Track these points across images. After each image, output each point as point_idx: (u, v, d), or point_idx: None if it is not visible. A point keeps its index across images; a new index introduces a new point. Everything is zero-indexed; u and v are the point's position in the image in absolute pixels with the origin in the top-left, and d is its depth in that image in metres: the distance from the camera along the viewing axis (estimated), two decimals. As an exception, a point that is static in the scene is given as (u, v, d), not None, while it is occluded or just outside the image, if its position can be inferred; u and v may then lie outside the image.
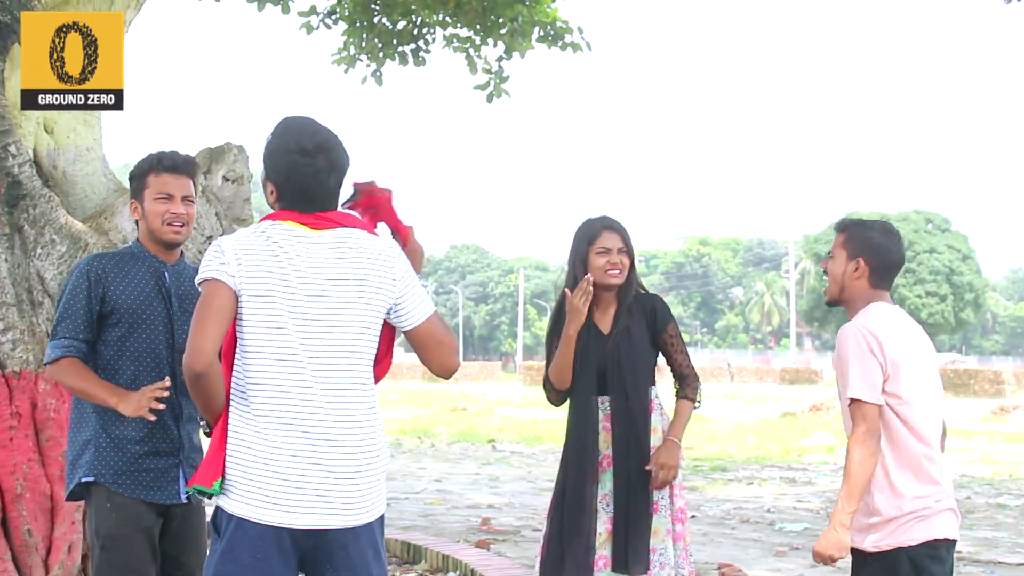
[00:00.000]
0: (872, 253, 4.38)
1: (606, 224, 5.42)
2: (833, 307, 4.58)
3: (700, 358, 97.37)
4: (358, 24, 12.43)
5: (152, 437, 4.55)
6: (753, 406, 37.38)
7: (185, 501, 4.61)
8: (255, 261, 3.46)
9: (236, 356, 3.50)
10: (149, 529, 4.55)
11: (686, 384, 5.44)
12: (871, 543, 4.21)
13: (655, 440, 5.32)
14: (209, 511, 3.80)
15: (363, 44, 12.74)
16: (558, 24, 12.25)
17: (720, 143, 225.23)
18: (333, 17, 12.54)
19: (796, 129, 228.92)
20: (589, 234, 5.40)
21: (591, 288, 5.19)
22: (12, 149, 6.36)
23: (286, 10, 12.01)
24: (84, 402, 4.58)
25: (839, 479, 15.26)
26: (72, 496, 4.70)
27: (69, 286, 4.67)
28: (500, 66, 12.82)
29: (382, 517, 3.62)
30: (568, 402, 5.40)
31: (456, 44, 12.69)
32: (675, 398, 5.47)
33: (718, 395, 45.52)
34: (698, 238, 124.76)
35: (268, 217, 3.61)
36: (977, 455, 19.20)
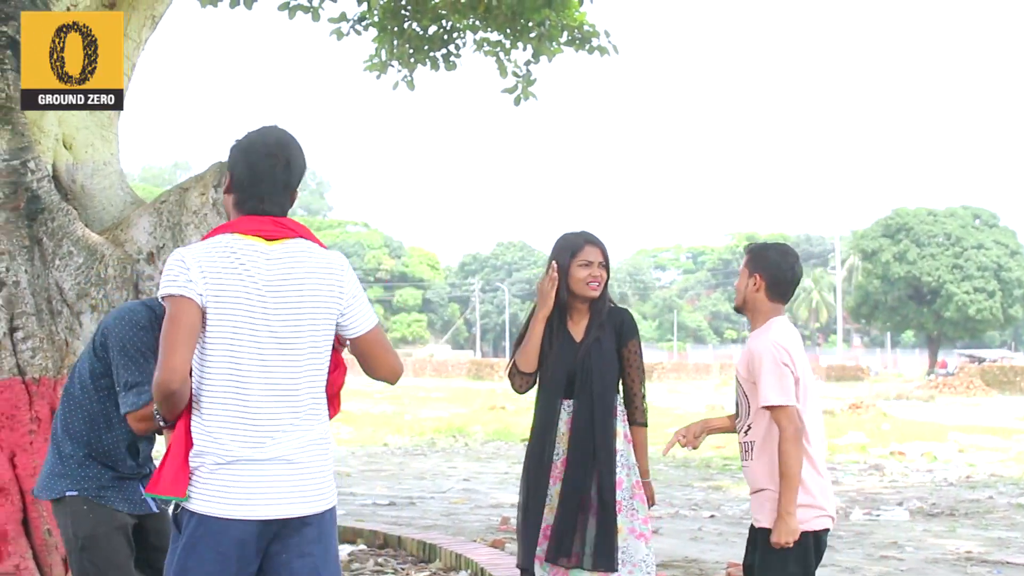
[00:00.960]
0: (768, 270, 5.08)
1: (588, 239, 5.67)
2: (739, 313, 5.30)
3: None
4: (388, 30, 12.64)
5: (130, 456, 4.79)
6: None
7: (156, 511, 4.85)
8: (219, 278, 3.65)
9: (193, 366, 3.68)
10: (125, 527, 4.77)
11: (634, 407, 5.63)
12: (811, 524, 4.89)
13: (618, 443, 5.51)
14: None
15: (394, 50, 12.96)
16: (585, 28, 12.42)
17: (767, 139, 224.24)
18: (363, 23, 12.75)
19: (844, 124, 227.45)
20: (572, 247, 5.64)
21: (556, 275, 5.54)
22: (31, 165, 6.64)
23: (316, 18, 12.24)
24: (72, 417, 4.77)
25: (866, 479, 15.40)
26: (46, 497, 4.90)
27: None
28: (528, 69, 13.02)
29: (334, 509, 3.83)
30: (535, 403, 5.65)
31: (487, 48, 12.90)
32: (627, 424, 5.63)
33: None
34: (745, 234, 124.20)
35: (227, 227, 3.79)
36: (1011, 454, 19.17)
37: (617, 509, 5.43)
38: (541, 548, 5.48)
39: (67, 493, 4.75)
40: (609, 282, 5.69)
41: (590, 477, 5.44)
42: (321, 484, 3.75)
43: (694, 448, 5.42)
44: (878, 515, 12.07)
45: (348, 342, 3.89)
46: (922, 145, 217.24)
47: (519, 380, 5.68)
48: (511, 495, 13.51)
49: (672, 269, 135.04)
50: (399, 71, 12.97)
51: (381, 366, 3.93)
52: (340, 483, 14.65)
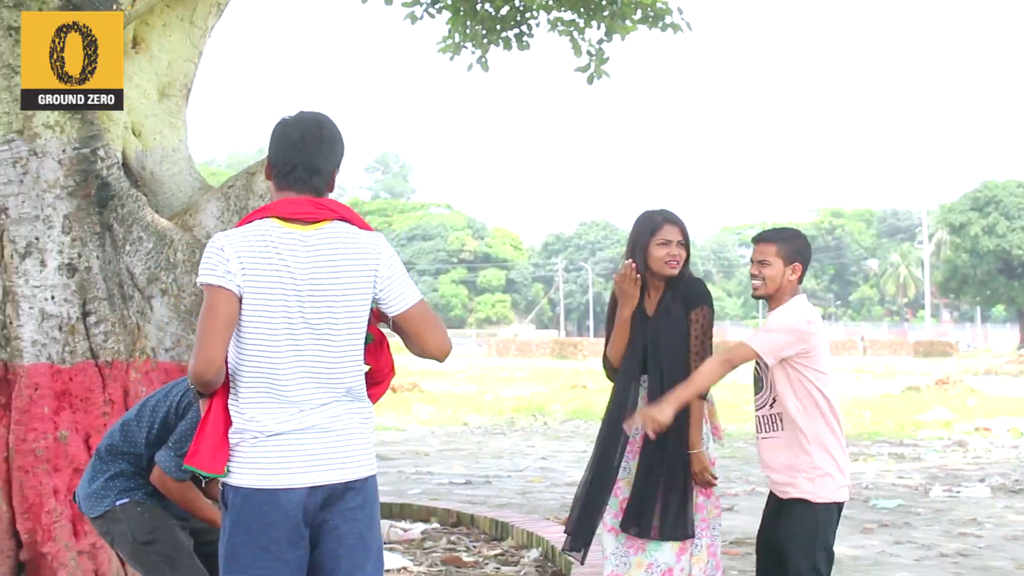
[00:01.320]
0: (805, 259, 5.35)
1: (667, 217, 5.71)
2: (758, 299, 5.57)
3: (834, 331, 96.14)
4: (461, 12, 12.68)
5: None
6: (880, 380, 36.93)
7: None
8: (256, 265, 3.71)
9: (230, 350, 3.75)
10: (178, 523, 4.95)
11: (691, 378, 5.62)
12: (815, 495, 5.08)
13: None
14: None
15: (467, 31, 12.99)
16: (658, 5, 12.36)
17: (852, 112, 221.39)
18: (436, 6, 12.80)
19: (931, 96, 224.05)
20: (651, 225, 5.68)
21: (635, 274, 5.55)
22: (101, 153, 6.76)
23: (389, 1, 12.32)
24: (124, 444, 4.95)
25: (949, 455, 15.24)
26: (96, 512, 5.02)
27: None
28: (600, 48, 12.99)
29: (375, 478, 3.85)
30: (616, 381, 5.75)
31: (560, 27, 12.89)
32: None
33: (847, 369, 45.07)
34: (830, 210, 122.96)
35: (267, 210, 3.84)
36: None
37: (691, 483, 5.55)
38: (615, 519, 5.63)
39: (117, 503, 4.90)
40: (690, 260, 5.73)
41: (665, 452, 5.53)
42: (361, 451, 3.78)
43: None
44: (958, 492, 11.93)
45: (390, 319, 3.90)
46: (1011, 116, 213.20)
47: (612, 373, 5.80)
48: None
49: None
50: (472, 52, 13.00)
51: (427, 342, 3.90)
52: (418, 462, 14.80)
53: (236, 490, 3.70)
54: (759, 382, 5.30)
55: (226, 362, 3.73)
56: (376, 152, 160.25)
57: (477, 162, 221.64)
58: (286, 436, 3.68)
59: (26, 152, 6.58)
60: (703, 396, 5.59)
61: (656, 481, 5.52)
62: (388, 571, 7.70)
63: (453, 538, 8.98)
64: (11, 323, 6.62)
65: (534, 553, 8.25)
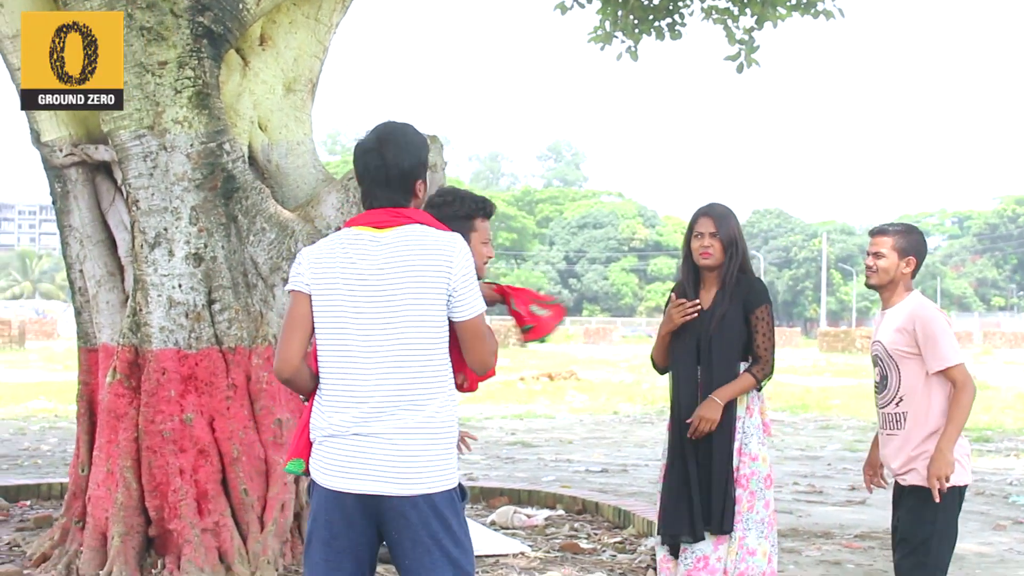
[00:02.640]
0: (920, 253, 5.45)
1: (702, 211, 5.95)
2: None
3: (1015, 323, 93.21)
4: (612, 1, 12.74)
5: None
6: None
7: None
8: (324, 268, 3.90)
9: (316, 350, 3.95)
10: None
11: (756, 364, 5.84)
12: (959, 479, 5.25)
13: (740, 411, 5.84)
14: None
15: (618, 21, 13.04)
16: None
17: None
18: (587, -4, 12.90)
19: None
20: (691, 220, 5.98)
21: (694, 311, 5.80)
22: (227, 147, 7.05)
23: (539, -7, 12.42)
24: None
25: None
26: None
27: None
28: (751, 36, 12.91)
29: (451, 491, 3.87)
30: (672, 371, 6.00)
31: (715, 15, 12.85)
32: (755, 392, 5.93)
33: (1018, 362, 43.70)
34: (1015, 197, 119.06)
35: (351, 222, 4.03)
36: None
37: (736, 479, 5.77)
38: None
39: None
40: (746, 255, 5.89)
41: (721, 447, 5.77)
42: (419, 467, 3.80)
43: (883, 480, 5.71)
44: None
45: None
46: None
47: (658, 369, 6.12)
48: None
49: (936, 234, 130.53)
50: (623, 42, 13.05)
51: (473, 355, 3.96)
52: (560, 449, 14.92)
53: (312, 482, 3.92)
54: (884, 381, 5.40)
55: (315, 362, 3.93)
56: (549, 140, 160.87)
57: (649, 150, 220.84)
58: (347, 439, 3.83)
59: (156, 147, 6.89)
60: (758, 388, 5.81)
61: (700, 479, 5.78)
62: (505, 555, 7.85)
63: (576, 525, 9.09)
64: (141, 310, 6.95)
65: (652, 541, 8.30)
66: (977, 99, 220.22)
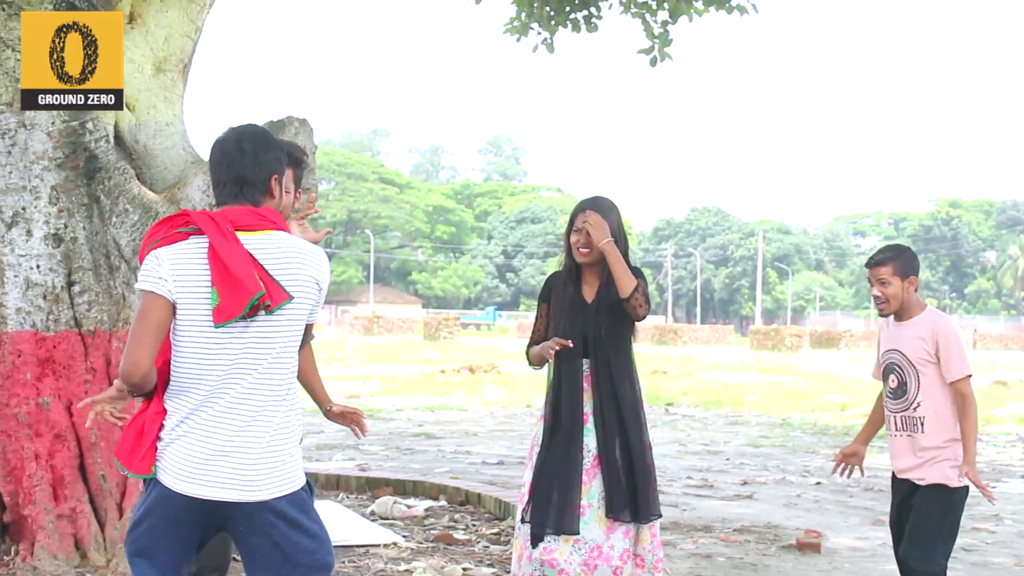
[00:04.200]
0: (916, 270, 5.71)
1: (583, 206, 5.90)
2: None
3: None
4: (527, -8, 12.67)
5: None
6: (980, 375, 36.05)
7: None
8: (186, 271, 3.81)
9: (171, 353, 3.88)
10: None
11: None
12: (961, 481, 5.55)
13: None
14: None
15: (533, 12, 12.97)
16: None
17: (973, 98, 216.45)
18: (504, -14, 12.80)
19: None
20: (572, 214, 5.93)
21: (557, 348, 5.72)
22: (89, 126, 6.91)
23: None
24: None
25: (1008, 451, 14.90)
26: None
27: None
28: (666, 30, 12.89)
29: (298, 491, 3.92)
30: (555, 364, 5.89)
31: (634, 9, 12.81)
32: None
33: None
34: (948, 200, 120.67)
35: (204, 219, 3.92)
36: None
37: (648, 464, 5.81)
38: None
39: None
40: (628, 249, 5.87)
41: (627, 437, 5.79)
42: (268, 473, 3.83)
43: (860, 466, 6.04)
44: (995, 487, 11.64)
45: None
46: None
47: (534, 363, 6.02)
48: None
49: (872, 235, 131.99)
50: (539, 34, 12.98)
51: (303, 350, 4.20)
52: (462, 442, 14.86)
53: (156, 482, 3.86)
54: (903, 387, 5.66)
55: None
56: (490, 134, 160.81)
57: (590, 146, 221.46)
58: (189, 444, 3.81)
59: (15, 124, 6.74)
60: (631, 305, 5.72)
61: (620, 465, 5.71)
62: (376, 546, 7.78)
63: (457, 516, 9.03)
64: (-3, 292, 6.79)
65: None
66: (914, 100, 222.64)
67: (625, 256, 5.79)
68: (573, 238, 5.84)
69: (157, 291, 3.77)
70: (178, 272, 3.79)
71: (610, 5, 12.89)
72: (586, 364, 5.81)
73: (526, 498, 5.82)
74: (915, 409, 5.59)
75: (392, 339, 56.43)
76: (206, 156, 7.42)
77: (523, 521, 5.82)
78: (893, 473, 5.79)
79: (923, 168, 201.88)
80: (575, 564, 5.67)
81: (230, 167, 3.97)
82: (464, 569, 7.24)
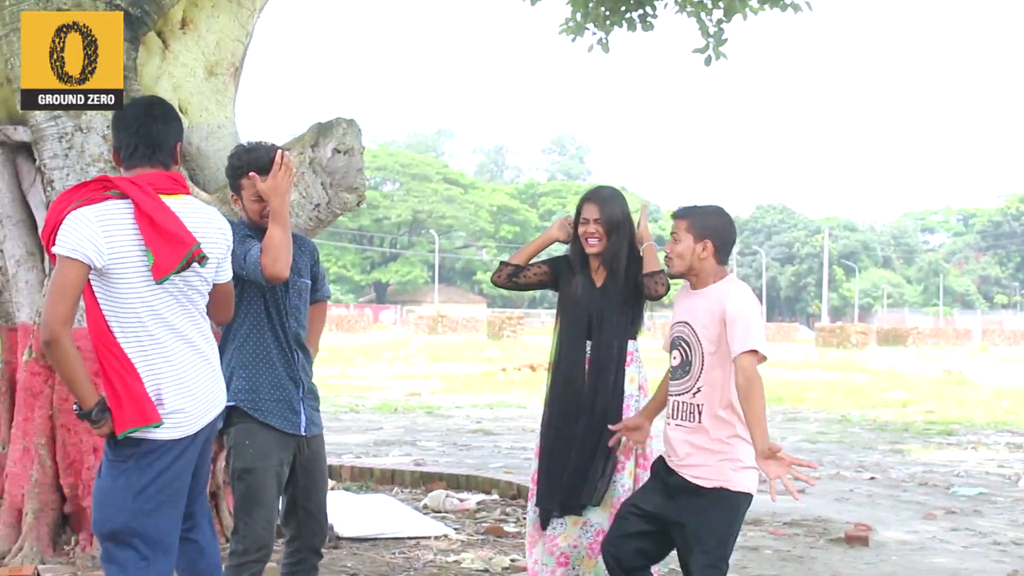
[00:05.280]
0: (719, 236, 5.02)
1: (588, 197, 5.97)
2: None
3: (1016, 321, 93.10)
4: (583, -8, 12.78)
5: (280, 373, 5.12)
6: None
7: (304, 435, 5.15)
8: (116, 236, 4.06)
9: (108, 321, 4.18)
10: (277, 465, 5.08)
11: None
12: (744, 485, 4.90)
13: (631, 388, 5.89)
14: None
15: (589, 12, 13.06)
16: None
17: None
18: (559, -13, 12.91)
19: None
20: (579, 204, 5.99)
21: (570, 226, 6.00)
22: (144, 128, 7.08)
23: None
24: (228, 342, 5.13)
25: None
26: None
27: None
28: (720, 28, 12.94)
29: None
30: (557, 344, 6.01)
31: (689, 8, 12.87)
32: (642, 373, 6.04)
33: (1012, 359, 43.71)
34: (1018, 195, 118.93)
35: (122, 182, 4.17)
36: None
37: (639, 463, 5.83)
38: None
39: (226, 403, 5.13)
40: (625, 234, 5.91)
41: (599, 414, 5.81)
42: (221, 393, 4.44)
43: (639, 442, 5.63)
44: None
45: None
46: None
47: (503, 271, 6.16)
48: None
49: (941, 232, 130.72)
50: (594, 34, 13.08)
51: (220, 313, 4.58)
52: (519, 438, 14.95)
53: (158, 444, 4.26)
54: (684, 367, 4.99)
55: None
56: (554, 133, 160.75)
57: (654, 145, 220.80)
58: (189, 396, 4.28)
59: (71, 127, 6.94)
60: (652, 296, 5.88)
61: (592, 452, 5.78)
62: (427, 538, 7.92)
63: (508, 510, 9.14)
64: (56, 289, 6.98)
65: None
66: (985, 96, 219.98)
67: (631, 241, 5.92)
68: (581, 229, 5.90)
69: (78, 258, 4.00)
70: (107, 232, 4.03)
71: (665, 4, 12.94)
72: (589, 346, 5.88)
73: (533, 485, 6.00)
74: (694, 395, 4.91)
75: (456, 338, 56.70)
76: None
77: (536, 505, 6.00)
78: (661, 457, 5.11)
79: (993, 163, 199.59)
80: (582, 547, 5.82)
81: (140, 131, 4.27)
82: (512, 560, 7.35)
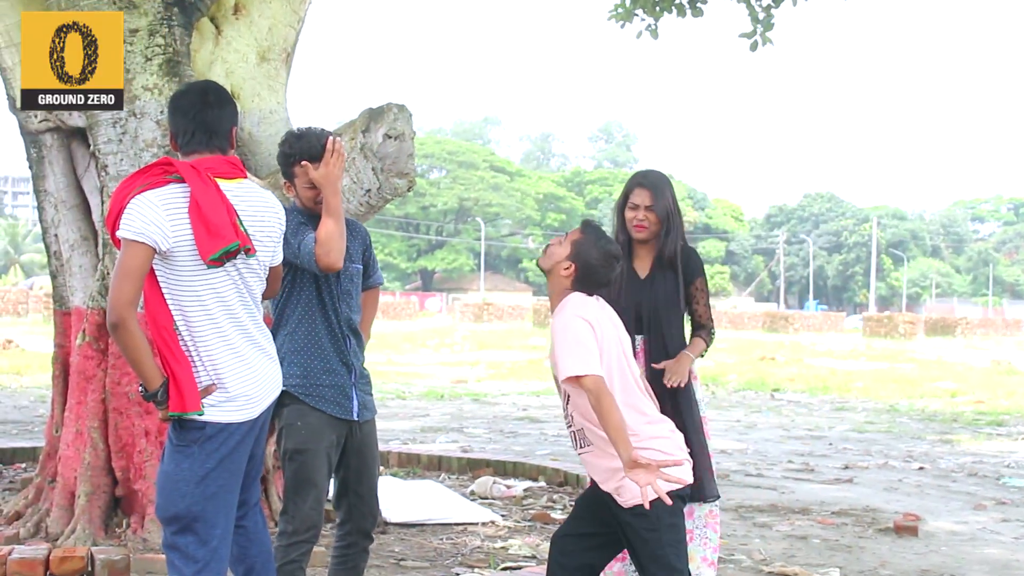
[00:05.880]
0: (583, 256, 4.76)
1: (638, 181, 5.80)
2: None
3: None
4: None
5: (333, 358, 5.13)
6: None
7: (357, 420, 5.16)
8: (178, 219, 4.13)
9: (178, 304, 4.21)
10: (328, 446, 5.09)
11: (703, 330, 5.85)
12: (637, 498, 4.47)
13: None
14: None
15: (639, -2, 13.02)
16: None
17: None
18: (608, -26, 12.86)
19: None
20: (627, 187, 5.83)
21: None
22: (197, 113, 7.12)
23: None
24: (279, 328, 5.11)
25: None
26: None
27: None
28: (769, 14, 12.87)
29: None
30: None
31: (739, -6, 12.81)
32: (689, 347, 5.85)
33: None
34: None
35: (181, 166, 4.23)
36: None
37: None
38: None
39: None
40: (683, 227, 5.82)
41: (673, 414, 5.43)
42: (277, 378, 4.51)
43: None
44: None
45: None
46: None
47: None
48: (729, 442, 13.56)
49: (991, 221, 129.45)
50: (643, 20, 13.03)
51: (272, 288, 4.64)
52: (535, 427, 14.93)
53: (219, 426, 4.34)
54: (562, 396, 4.84)
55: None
56: (600, 121, 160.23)
57: (700, 132, 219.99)
58: (249, 380, 4.34)
59: (125, 113, 6.99)
60: (705, 339, 5.82)
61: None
62: (474, 524, 7.94)
63: (555, 497, 9.15)
64: (110, 273, 7.05)
65: (624, 513, 8.36)
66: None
67: (680, 233, 5.75)
68: (628, 214, 5.74)
69: (145, 241, 4.06)
70: (171, 215, 4.11)
71: (715, -11, 12.92)
72: (638, 340, 5.70)
73: None
74: (572, 421, 4.75)
75: (502, 326, 56.75)
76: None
77: None
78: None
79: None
80: None
81: (197, 117, 4.35)
82: (559, 547, 7.36)
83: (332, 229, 4.83)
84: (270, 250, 4.44)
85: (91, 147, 7.35)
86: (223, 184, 4.22)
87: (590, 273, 4.76)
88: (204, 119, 4.32)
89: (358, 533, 5.24)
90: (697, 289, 5.81)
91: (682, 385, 5.60)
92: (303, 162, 5.00)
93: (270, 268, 4.50)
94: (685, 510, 5.33)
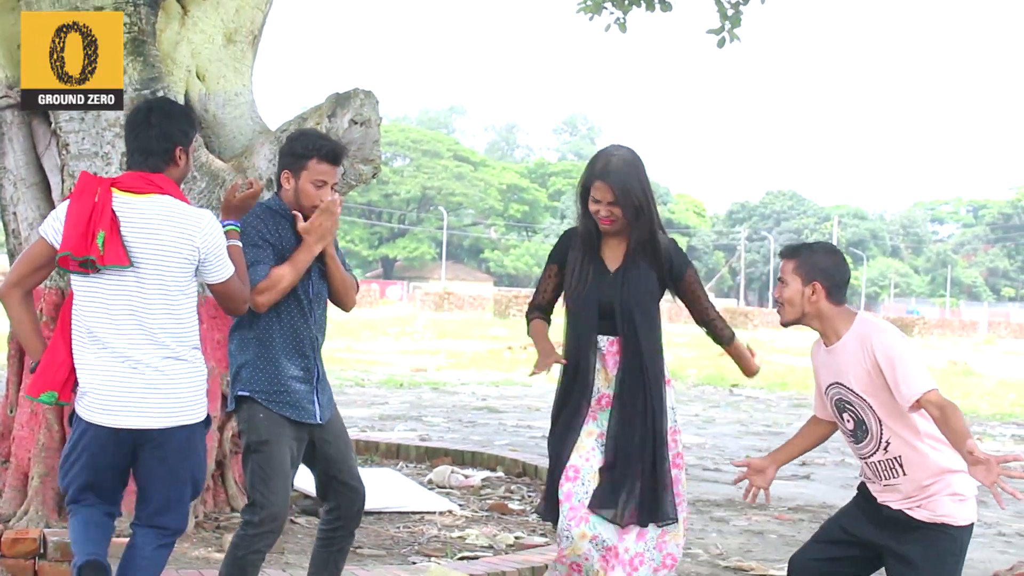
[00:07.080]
0: (828, 277, 4.66)
1: (597, 175, 5.22)
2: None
3: (1023, 314, 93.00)
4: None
5: (297, 366, 5.05)
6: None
7: (320, 422, 5.10)
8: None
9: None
10: (291, 439, 5.01)
11: (718, 329, 5.48)
12: (965, 518, 4.53)
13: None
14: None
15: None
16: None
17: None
18: (578, -35, 12.88)
19: None
20: (586, 178, 5.28)
21: (556, 364, 5.25)
22: (161, 95, 7.05)
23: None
24: (246, 330, 5.02)
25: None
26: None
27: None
28: (737, 11, 12.92)
29: (200, 423, 4.61)
30: (564, 339, 5.36)
31: (707, -11, 12.86)
32: (721, 345, 5.57)
33: (1018, 352, 43.63)
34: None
35: (111, 182, 4.52)
36: None
37: (672, 461, 5.26)
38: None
39: (238, 393, 5.11)
40: (647, 214, 5.21)
41: (640, 424, 5.18)
42: (175, 404, 4.50)
43: (762, 487, 4.97)
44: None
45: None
46: None
47: (531, 314, 5.57)
48: (688, 436, 13.56)
49: (950, 222, 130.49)
50: (611, 13, 13.04)
51: (229, 306, 4.72)
52: (525, 416, 14.96)
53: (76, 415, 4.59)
54: (860, 429, 4.64)
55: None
56: (566, 113, 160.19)
57: (664, 127, 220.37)
58: (105, 384, 4.47)
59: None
60: (732, 338, 5.54)
61: (628, 464, 5.17)
62: (432, 513, 7.92)
63: (513, 487, 9.14)
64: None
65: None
66: (999, 87, 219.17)
67: (652, 218, 5.22)
68: (591, 207, 5.20)
69: (43, 235, 4.53)
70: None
71: (685, -17, 12.98)
72: (602, 341, 5.23)
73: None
74: (886, 449, 4.54)
75: (462, 316, 56.64)
76: (274, 126, 7.63)
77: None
78: (865, 484, 4.78)
79: (1005, 155, 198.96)
80: (594, 561, 5.08)
81: (136, 139, 4.57)
82: (516, 538, 7.36)
83: (288, 280, 4.90)
84: (169, 265, 4.44)
85: (52, 125, 7.26)
86: (127, 198, 4.43)
87: (830, 276, 4.66)
88: (140, 143, 4.56)
89: (347, 516, 5.23)
90: (692, 283, 5.40)
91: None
92: (296, 213, 5.01)
93: (210, 286, 4.61)
94: (635, 532, 5.15)
